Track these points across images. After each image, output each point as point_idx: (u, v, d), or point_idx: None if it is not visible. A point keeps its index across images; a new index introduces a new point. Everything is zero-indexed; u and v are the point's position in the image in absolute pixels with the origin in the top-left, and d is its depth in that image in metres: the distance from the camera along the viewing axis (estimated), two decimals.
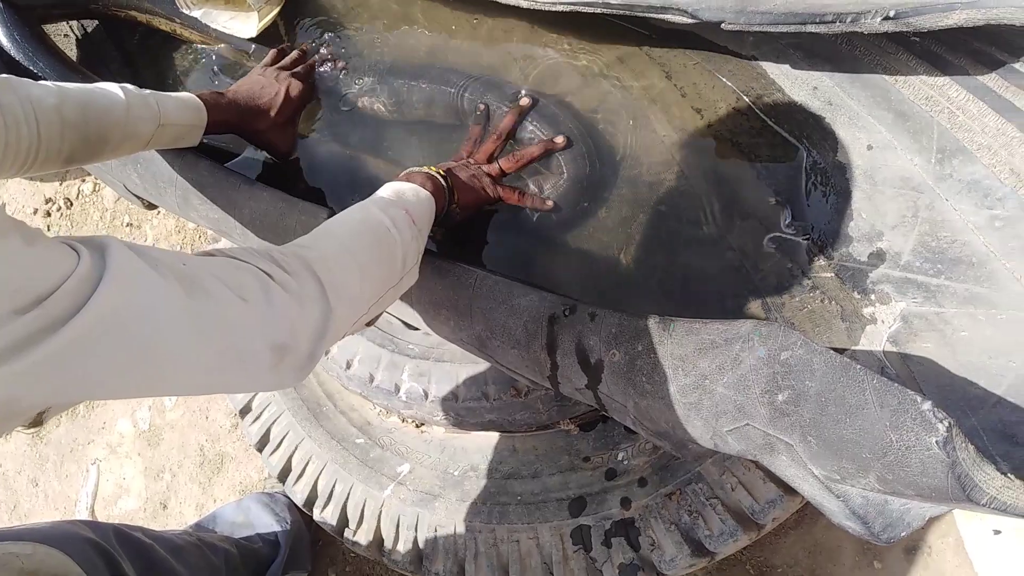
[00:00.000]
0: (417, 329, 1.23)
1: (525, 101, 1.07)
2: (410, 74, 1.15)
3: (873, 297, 0.87)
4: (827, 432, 0.61)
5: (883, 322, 0.85)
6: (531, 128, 1.07)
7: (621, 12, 0.93)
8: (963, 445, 0.52)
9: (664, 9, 0.89)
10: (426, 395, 1.20)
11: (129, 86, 0.93)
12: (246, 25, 1.21)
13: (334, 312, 0.68)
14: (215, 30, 1.26)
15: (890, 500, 0.65)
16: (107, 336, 0.47)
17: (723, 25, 0.84)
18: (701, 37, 1.02)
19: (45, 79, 0.92)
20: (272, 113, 1.09)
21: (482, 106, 1.09)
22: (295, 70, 1.15)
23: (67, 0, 1.27)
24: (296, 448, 1.41)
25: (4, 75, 0.81)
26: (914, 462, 0.55)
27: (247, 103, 1.07)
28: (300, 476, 1.39)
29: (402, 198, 0.86)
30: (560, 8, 0.97)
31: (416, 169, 0.94)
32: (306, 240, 0.75)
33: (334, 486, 1.35)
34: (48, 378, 0.45)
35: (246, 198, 1.06)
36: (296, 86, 1.12)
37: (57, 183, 2.38)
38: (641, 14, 0.92)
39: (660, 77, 1.05)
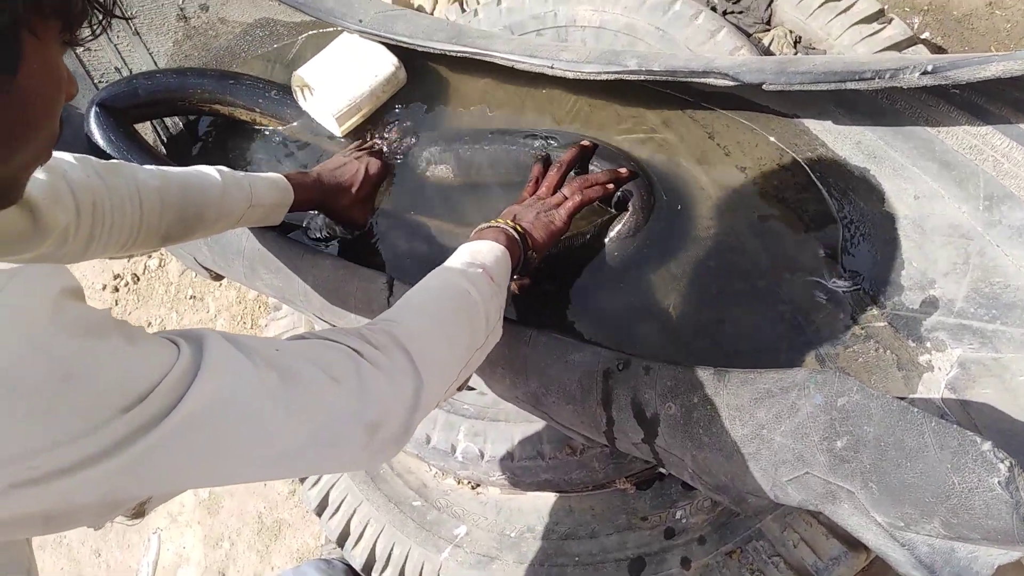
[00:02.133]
0: (473, 389, 1.25)
1: (586, 143, 1.10)
2: (473, 138, 1.21)
3: (928, 345, 0.87)
4: (888, 477, 0.61)
5: (940, 369, 0.85)
6: (592, 169, 1.10)
7: (663, 78, 0.97)
8: None
9: (705, 73, 0.92)
10: (482, 455, 1.22)
11: (224, 168, 1.00)
12: (332, 125, 1.30)
13: (425, 383, 0.68)
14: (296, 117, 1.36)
15: (956, 548, 0.64)
16: (201, 429, 0.49)
17: (764, 86, 0.87)
18: (743, 98, 1.05)
19: None
20: (354, 190, 1.15)
21: (543, 153, 1.13)
22: (372, 150, 1.22)
23: (157, 100, 1.37)
24: (354, 512, 1.42)
25: (115, 160, 0.89)
26: (978, 504, 0.55)
27: (330, 181, 1.14)
28: (359, 540, 1.40)
29: (477, 258, 0.87)
30: (605, 77, 1.01)
31: (485, 225, 0.96)
32: (391, 314, 0.76)
33: (392, 549, 1.35)
34: (146, 470, 0.47)
35: (309, 266, 1.11)
36: (374, 164, 1.19)
37: (125, 260, 2.50)
38: (683, 79, 0.96)
39: (704, 138, 1.09)
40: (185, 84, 1.37)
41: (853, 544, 1.09)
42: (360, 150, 1.22)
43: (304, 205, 1.11)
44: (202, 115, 1.42)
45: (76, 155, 0.84)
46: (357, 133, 1.30)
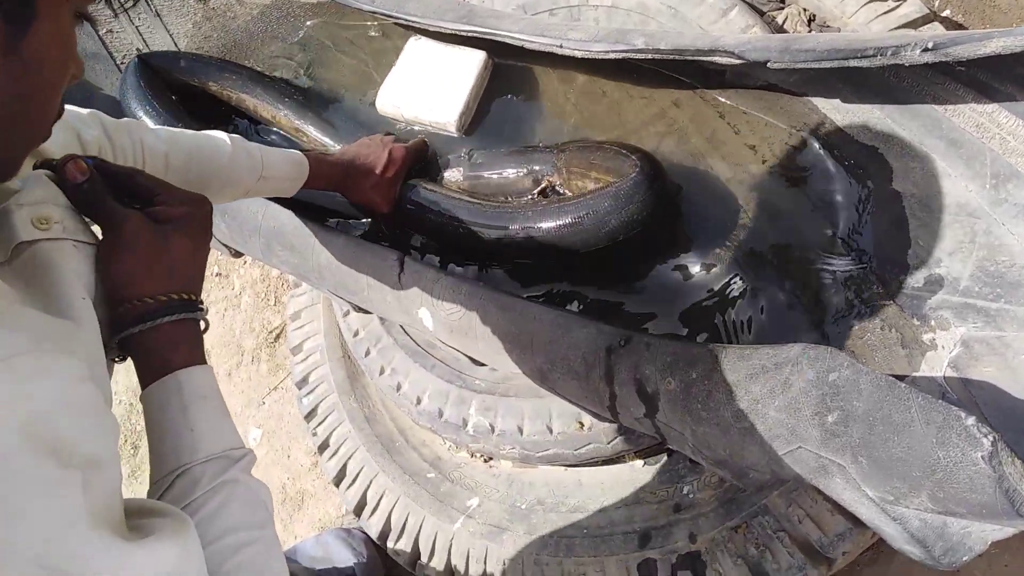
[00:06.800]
0: (484, 365, 1.28)
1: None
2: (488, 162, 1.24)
3: (933, 323, 0.87)
4: (877, 451, 0.62)
5: (943, 348, 0.85)
6: None
7: (671, 57, 0.97)
8: (1009, 459, 0.53)
9: (712, 52, 0.92)
10: (492, 429, 1.24)
11: (237, 137, 0.99)
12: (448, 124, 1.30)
13: None
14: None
15: (949, 523, 0.64)
16: None
17: (769, 64, 0.87)
18: (753, 76, 1.05)
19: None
20: (377, 171, 1.16)
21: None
22: (396, 138, 1.23)
23: (193, 75, 1.44)
24: (371, 483, 1.46)
25: (127, 119, 0.89)
26: (962, 478, 0.56)
27: (352, 162, 1.15)
28: (375, 510, 1.43)
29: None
30: (613, 56, 1.01)
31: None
32: None
33: (407, 519, 1.39)
34: None
35: (323, 243, 1.13)
36: (399, 150, 1.19)
37: None
38: (690, 57, 0.96)
39: (714, 117, 1.09)
40: (224, 70, 1.42)
41: (858, 520, 1.09)
42: (386, 136, 1.23)
43: (323, 183, 1.11)
44: (228, 105, 1.44)
45: (88, 110, 0.83)
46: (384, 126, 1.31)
